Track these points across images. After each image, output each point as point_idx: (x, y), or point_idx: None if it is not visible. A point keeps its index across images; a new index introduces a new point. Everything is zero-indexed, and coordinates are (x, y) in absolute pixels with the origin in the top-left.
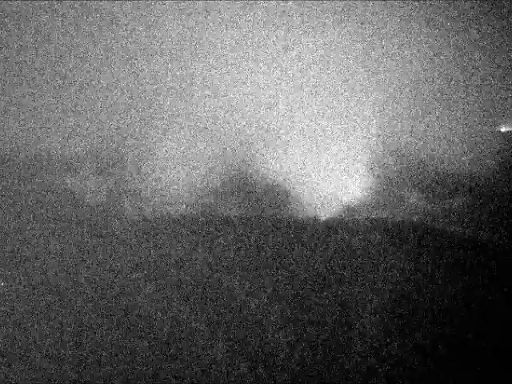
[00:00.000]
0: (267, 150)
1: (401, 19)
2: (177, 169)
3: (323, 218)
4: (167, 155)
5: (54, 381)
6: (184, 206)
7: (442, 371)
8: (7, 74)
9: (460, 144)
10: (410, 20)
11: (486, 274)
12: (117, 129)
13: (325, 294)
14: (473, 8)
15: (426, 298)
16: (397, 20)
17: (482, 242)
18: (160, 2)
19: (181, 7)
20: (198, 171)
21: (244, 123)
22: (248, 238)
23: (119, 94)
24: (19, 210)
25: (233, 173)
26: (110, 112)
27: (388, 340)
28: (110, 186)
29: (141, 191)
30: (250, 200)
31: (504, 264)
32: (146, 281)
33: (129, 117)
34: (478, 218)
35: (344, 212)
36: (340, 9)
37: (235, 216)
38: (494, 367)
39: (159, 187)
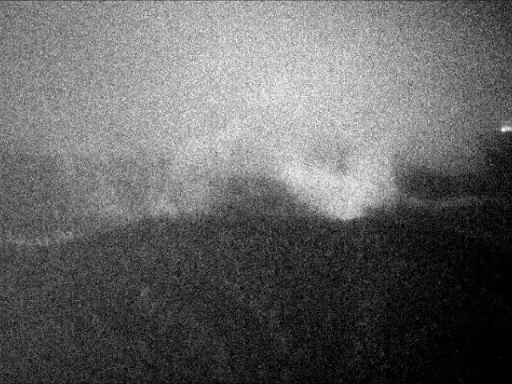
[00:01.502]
0: (273, 152)
1: (400, 21)
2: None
3: (323, 218)
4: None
5: (54, 381)
6: (183, 207)
7: (442, 371)
8: (31, 77)
9: (460, 144)
10: (411, 22)
11: (486, 274)
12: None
13: (325, 293)
14: (474, 9)
15: (425, 297)
16: (398, 23)
17: (482, 241)
18: (183, 6)
19: (197, 13)
20: (205, 175)
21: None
22: (248, 238)
23: (141, 99)
24: (22, 208)
25: (233, 173)
26: (133, 117)
27: (388, 340)
28: (116, 189)
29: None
30: (250, 200)
31: (504, 263)
32: (145, 281)
33: (147, 121)
34: (478, 217)
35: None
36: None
37: (235, 216)
38: (494, 366)
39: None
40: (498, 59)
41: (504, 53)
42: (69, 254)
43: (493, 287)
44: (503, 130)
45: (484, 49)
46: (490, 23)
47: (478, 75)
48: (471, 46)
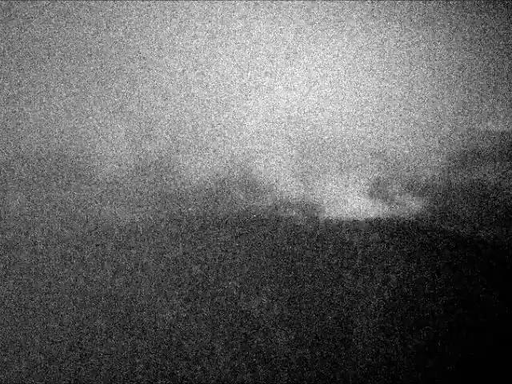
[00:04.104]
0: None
1: (391, 22)
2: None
3: (323, 218)
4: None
5: (54, 381)
6: (183, 205)
7: (442, 371)
8: (59, 79)
9: (450, 143)
10: (400, 22)
11: (485, 274)
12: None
13: (325, 293)
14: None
15: (425, 297)
16: (390, 23)
17: (481, 241)
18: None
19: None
20: (201, 172)
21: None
22: (248, 237)
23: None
24: (23, 208)
25: (234, 173)
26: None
27: (388, 340)
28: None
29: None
30: (250, 200)
31: (504, 263)
32: (145, 281)
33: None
34: (477, 217)
35: (346, 213)
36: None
37: (235, 216)
38: (494, 366)
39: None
40: (485, 59)
41: (490, 53)
42: (69, 253)
43: (493, 287)
44: (500, 129)
45: (471, 48)
46: (494, 22)
47: (466, 75)
48: (457, 45)
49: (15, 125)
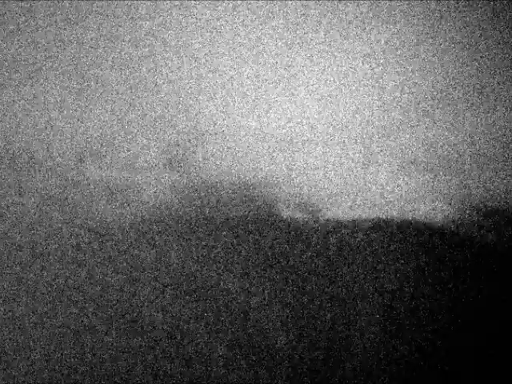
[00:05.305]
0: (268, 150)
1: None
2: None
3: (323, 218)
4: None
5: (54, 381)
6: (184, 206)
7: (442, 370)
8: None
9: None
10: (404, 23)
11: (486, 274)
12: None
13: (325, 293)
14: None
15: (425, 297)
16: (393, 24)
17: (481, 241)
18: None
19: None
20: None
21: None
22: (248, 237)
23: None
24: (22, 206)
25: (233, 173)
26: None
27: (388, 340)
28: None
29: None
30: (250, 200)
31: (504, 263)
32: (145, 281)
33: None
34: (477, 217)
35: (346, 212)
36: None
37: (235, 216)
38: (493, 366)
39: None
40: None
41: (491, 53)
42: (69, 254)
43: (492, 287)
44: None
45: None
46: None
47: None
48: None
49: (15, 124)
